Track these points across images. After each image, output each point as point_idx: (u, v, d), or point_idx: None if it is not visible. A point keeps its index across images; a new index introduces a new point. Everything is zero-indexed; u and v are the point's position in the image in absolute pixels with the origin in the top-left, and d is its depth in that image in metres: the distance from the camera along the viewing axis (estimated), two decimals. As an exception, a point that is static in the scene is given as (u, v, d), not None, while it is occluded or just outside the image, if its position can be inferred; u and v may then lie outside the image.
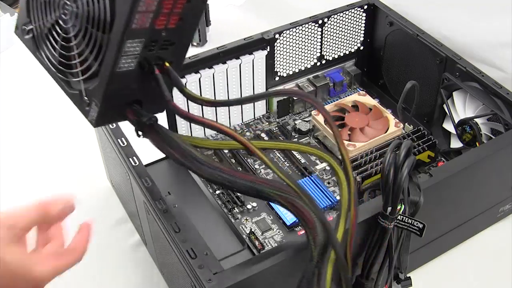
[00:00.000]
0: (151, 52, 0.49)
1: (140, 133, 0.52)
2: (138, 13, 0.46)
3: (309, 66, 0.88)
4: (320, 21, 0.85)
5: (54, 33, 0.51)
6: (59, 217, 0.49)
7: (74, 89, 0.52)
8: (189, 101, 0.77)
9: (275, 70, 0.85)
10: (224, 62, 0.79)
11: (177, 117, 0.78)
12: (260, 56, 0.81)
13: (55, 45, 0.51)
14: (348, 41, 0.90)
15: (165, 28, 0.49)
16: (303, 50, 0.86)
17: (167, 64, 0.51)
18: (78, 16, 0.48)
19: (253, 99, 0.76)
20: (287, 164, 0.80)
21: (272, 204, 0.73)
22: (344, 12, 0.86)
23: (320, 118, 0.82)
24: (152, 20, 0.47)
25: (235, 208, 0.74)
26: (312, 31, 0.85)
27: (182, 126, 0.80)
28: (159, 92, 0.50)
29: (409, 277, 0.61)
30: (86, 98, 0.51)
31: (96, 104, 0.50)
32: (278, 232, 0.71)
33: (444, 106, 0.78)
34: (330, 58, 0.90)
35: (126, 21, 0.45)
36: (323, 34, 0.86)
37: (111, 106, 0.50)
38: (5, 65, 1.05)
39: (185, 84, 0.75)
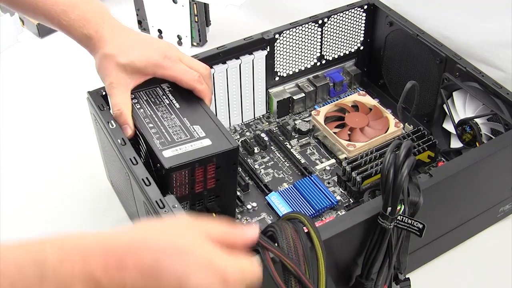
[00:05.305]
0: (199, 206, 0.63)
1: None
2: (175, 187, 0.59)
3: (309, 66, 0.88)
4: (320, 21, 0.85)
5: None
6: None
7: None
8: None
9: (275, 70, 0.85)
10: (224, 62, 0.79)
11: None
12: (260, 56, 0.81)
13: None
14: (348, 41, 0.90)
15: (205, 189, 0.62)
16: (303, 50, 0.86)
17: (214, 215, 0.63)
18: None
19: None
20: (287, 164, 0.80)
21: (272, 204, 0.73)
22: (344, 12, 0.86)
23: (320, 118, 0.82)
24: (190, 188, 0.60)
25: (235, 208, 0.73)
26: (312, 31, 0.85)
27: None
28: None
29: (408, 278, 0.61)
30: None
31: None
32: (278, 232, 0.71)
33: (444, 106, 0.78)
34: (330, 58, 0.90)
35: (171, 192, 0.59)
36: (323, 34, 0.86)
37: None
38: (5, 65, 1.05)
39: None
